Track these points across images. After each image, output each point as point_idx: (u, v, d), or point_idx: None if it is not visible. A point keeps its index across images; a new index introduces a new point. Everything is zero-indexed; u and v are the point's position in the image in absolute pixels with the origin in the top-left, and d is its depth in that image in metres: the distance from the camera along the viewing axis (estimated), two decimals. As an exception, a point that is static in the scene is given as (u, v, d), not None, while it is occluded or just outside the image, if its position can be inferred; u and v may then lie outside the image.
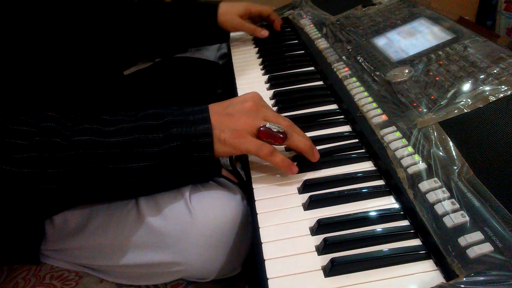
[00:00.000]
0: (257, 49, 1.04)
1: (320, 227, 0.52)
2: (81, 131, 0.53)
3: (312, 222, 0.53)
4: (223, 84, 1.07)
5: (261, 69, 0.95)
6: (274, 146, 0.59)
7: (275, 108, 0.78)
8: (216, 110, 0.59)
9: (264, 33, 1.04)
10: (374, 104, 0.68)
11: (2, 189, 0.51)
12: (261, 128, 0.58)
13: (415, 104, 0.63)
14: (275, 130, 0.58)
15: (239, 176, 0.75)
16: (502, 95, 0.57)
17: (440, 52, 0.71)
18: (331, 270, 0.46)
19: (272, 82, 0.88)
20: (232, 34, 1.19)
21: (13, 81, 0.59)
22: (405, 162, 0.56)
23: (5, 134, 0.50)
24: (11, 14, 0.58)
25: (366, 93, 0.71)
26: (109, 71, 0.80)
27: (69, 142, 0.52)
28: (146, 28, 0.97)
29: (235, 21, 1.00)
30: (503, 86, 0.58)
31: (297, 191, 0.59)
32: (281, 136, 0.58)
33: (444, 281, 0.44)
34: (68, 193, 0.54)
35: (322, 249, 0.49)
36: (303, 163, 0.62)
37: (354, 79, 0.77)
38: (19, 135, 0.50)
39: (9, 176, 0.50)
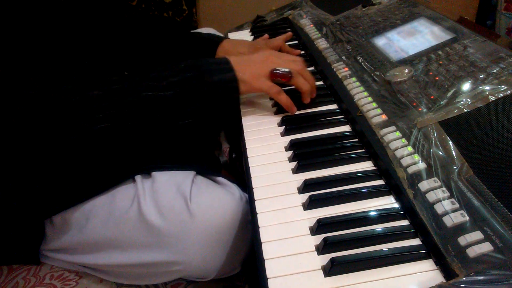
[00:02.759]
0: (257, 49, 1.04)
1: (320, 226, 0.52)
2: (145, 87, 0.65)
3: (312, 222, 0.53)
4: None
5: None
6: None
7: (274, 109, 0.78)
8: (239, 60, 0.73)
9: None
10: (374, 104, 0.68)
11: (84, 143, 0.63)
12: (272, 71, 0.73)
13: (415, 104, 0.63)
14: (282, 71, 0.73)
15: (239, 175, 0.76)
16: (501, 94, 0.57)
17: (440, 52, 0.71)
18: (331, 269, 0.46)
19: (272, 82, 0.88)
20: (230, 34, 1.20)
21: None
22: (405, 161, 0.56)
23: (83, 100, 0.62)
24: (14, 16, 0.59)
25: (366, 93, 0.71)
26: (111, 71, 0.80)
27: (139, 98, 0.64)
28: (140, 45, 0.94)
29: None
30: (502, 86, 0.58)
31: (297, 191, 0.59)
32: (288, 75, 0.73)
33: (444, 281, 0.44)
34: (129, 137, 0.66)
35: (322, 249, 0.49)
36: (304, 163, 0.62)
37: (354, 79, 0.77)
38: (96, 99, 0.62)
39: (91, 133, 0.62)
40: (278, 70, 0.73)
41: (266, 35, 1.06)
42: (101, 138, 0.63)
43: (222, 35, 1.15)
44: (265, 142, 0.70)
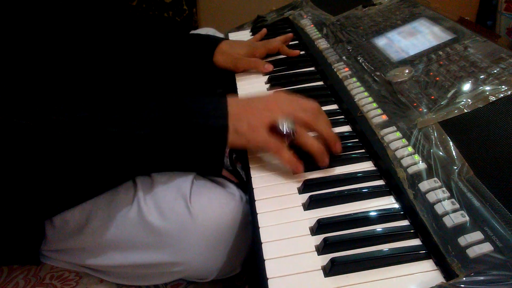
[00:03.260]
0: (257, 49, 1.04)
1: (320, 227, 0.52)
2: (113, 122, 0.56)
3: (312, 222, 0.53)
4: (223, 83, 1.07)
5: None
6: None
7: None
8: (237, 103, 0.61)
9: (268, 67, 0.90)
10: (375, 104, 0.68)
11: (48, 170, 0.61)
12: (272, 125, 0.59)
13: (415, 104, 0.63)
14: (284, 128, 0.59)
15: (239, 176, 0.75)
16: (502, 95, 0.57)
17: (441, 52, 0.71)
18: (331, 270, 0.46)
19: (273, 82, 0.88)
20: (231, 34, 1.20)
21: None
22: (405, 162, 0.56)
23: (46, 124, 0.54)
24: (13, 17, 0.59)
25: (366, 93, 0.71)
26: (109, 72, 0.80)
27: (104, 133, 0.56)
28: (138, 47, 0.92)
29: (233, 60, 0.91)
30: (503, 86, 0.58)
31: (297, 191, 0.59)
32: (290, 137, 0.59)
33: (444, 281, 0.44)
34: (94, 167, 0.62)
35: (322, 249, 0.49)
36: (304, 163, 0.62)
37: (354, 79, 0.77)
38: (59, 125, 0.55)
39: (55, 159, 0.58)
40: (279, 126, 0.59)
41: (264, 30, 1.06)
42: (68, 162, 0.59)
43: (222, 35, 1.15)
44: (265, 142, 0.70)
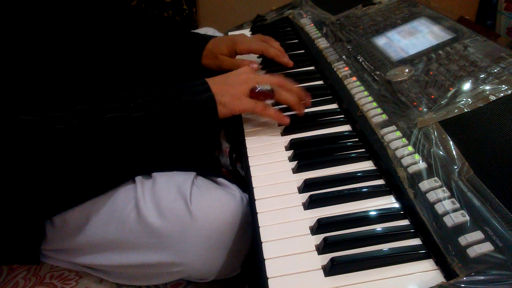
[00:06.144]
0: (257, 48, 1.04)
1: (320, 226, 0.52)
2: (110, 109, 0.61)
3: (312, 222, 0.53)
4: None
5: (262, 69, 0.95)
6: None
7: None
8: (216, 81, 0.70)
9: (253, 66, 0.87)
10: (374, 104, 0.68)
11: (51, 167, 0.60)
12: (253, 90, 0.69)
13: (415, 104, 0.63)
14: (264, 89, 0.70)
15: (239, 175, 0.75)
16: (502, 94, 0.57)
17: (440, 52, 0.71)
18: (331, 269, 0.46)
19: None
20: (230, 33, 1.19)
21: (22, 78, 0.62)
22: (405, 161, 0.56)
23: (44, 120, 0.57)
24: (14, 18, 0.59)
25: (366, 93, 0.71)
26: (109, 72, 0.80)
27: (103, 120, 0.60)
28: (135, 44, 0.91)
29: (217, 62, 0.91)
30: (503, 86, 0.58)
31: (297, 191, 0.59)
32: (270, 93, 0.70)
33: (445, 281, 0.44)
34: (98, 161, 0.64)
35: (322, 249, 0.49)
36: (304, 163, 0.62)
37: (354, 78, 0.77)
38: (57, 120, 0.58)
39: (57, 156, 0.59)
40: (259, 88, 0.69)
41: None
42: (65, 159, 0.60)
43: (222, 34, 1.14)
44: (265, 141, 0.70)
